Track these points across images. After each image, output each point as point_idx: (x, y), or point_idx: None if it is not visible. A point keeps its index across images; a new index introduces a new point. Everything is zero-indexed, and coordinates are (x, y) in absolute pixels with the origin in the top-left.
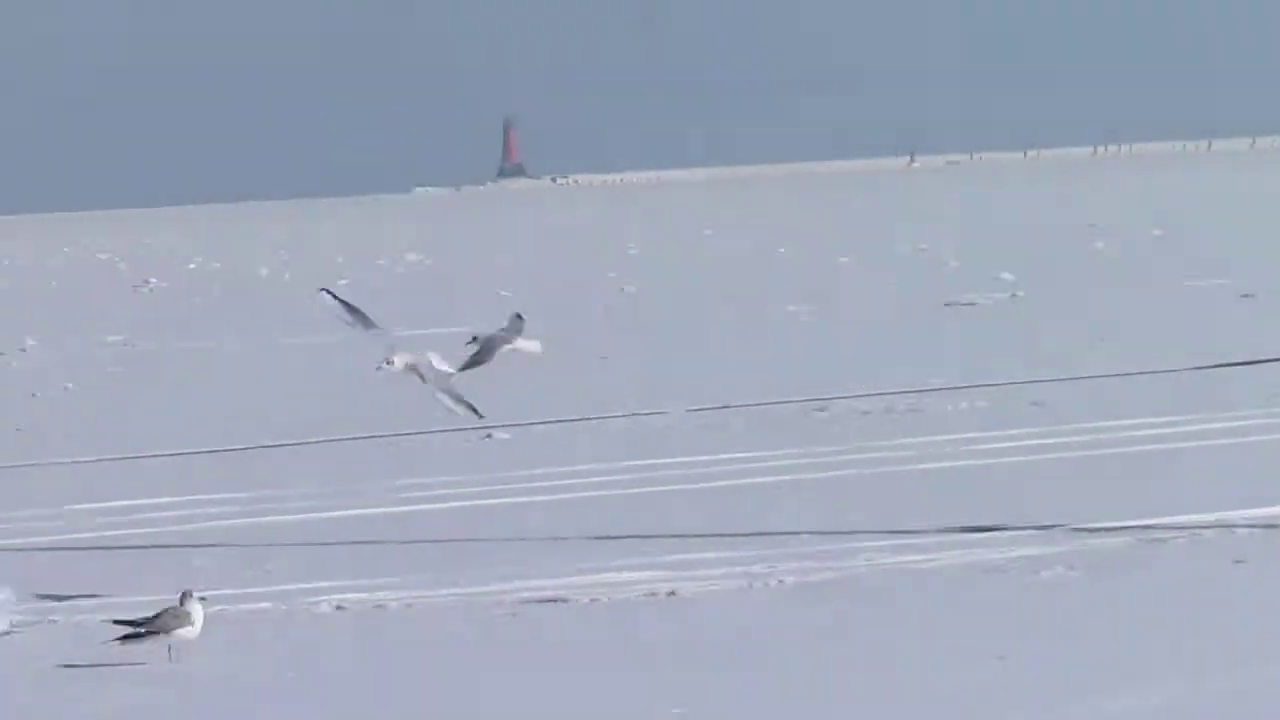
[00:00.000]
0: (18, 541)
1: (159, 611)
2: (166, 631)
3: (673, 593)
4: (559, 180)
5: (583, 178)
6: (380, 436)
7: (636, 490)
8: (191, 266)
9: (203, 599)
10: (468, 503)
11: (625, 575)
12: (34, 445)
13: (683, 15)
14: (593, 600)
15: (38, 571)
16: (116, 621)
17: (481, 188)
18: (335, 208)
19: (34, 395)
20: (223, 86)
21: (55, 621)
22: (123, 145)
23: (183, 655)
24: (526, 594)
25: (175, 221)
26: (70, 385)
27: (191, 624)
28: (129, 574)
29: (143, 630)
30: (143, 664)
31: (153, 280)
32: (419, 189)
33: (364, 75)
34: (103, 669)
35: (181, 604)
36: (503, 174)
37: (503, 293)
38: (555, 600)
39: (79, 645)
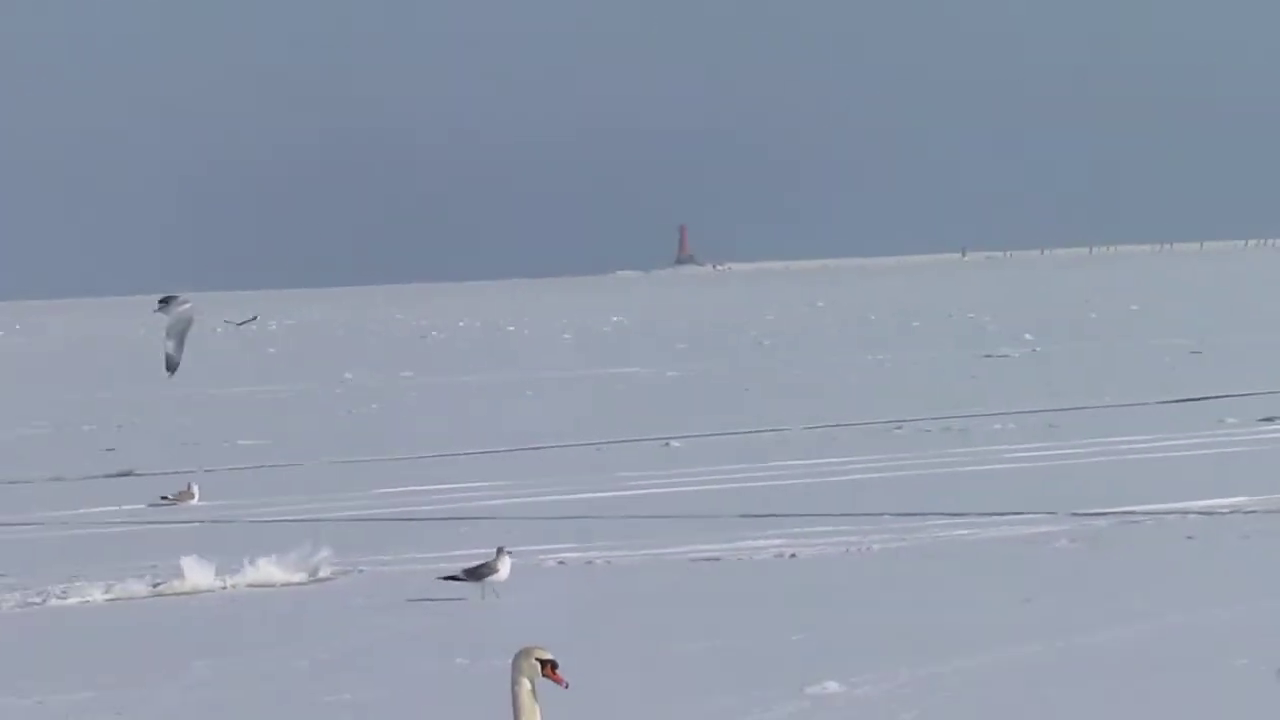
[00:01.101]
0: (338, 515)
1: (481, 563)
2: (482, 578)
3: (794, 555)
4: (717, 266)
5: (734, 265)
6: (592, 444)
7: (768, 483)
8: (460, 324)
9: (510, 553)
10: (653, 491)
11: (760, 542)
12: (350, 447)
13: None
14: (739, 559)
15: (349, 537)
16: (445, 578)
17: (663, 271)
18: (555, 284)
19: (349, 412)
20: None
21: (362, 572)
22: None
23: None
24: (694, 555)
25: (444, 293)
26: (375, 406)
27: (498, 571)
28: (414, 540)
29: (462, 575)
30: (423, 599)
31: (433, 333)
32: (619, 272)
33: (588, 179)
34: (403, 604)
35: (497, 557)
36: (678, 261)
37: (678, 345)
38: (713, 559)
39: (381, 589)
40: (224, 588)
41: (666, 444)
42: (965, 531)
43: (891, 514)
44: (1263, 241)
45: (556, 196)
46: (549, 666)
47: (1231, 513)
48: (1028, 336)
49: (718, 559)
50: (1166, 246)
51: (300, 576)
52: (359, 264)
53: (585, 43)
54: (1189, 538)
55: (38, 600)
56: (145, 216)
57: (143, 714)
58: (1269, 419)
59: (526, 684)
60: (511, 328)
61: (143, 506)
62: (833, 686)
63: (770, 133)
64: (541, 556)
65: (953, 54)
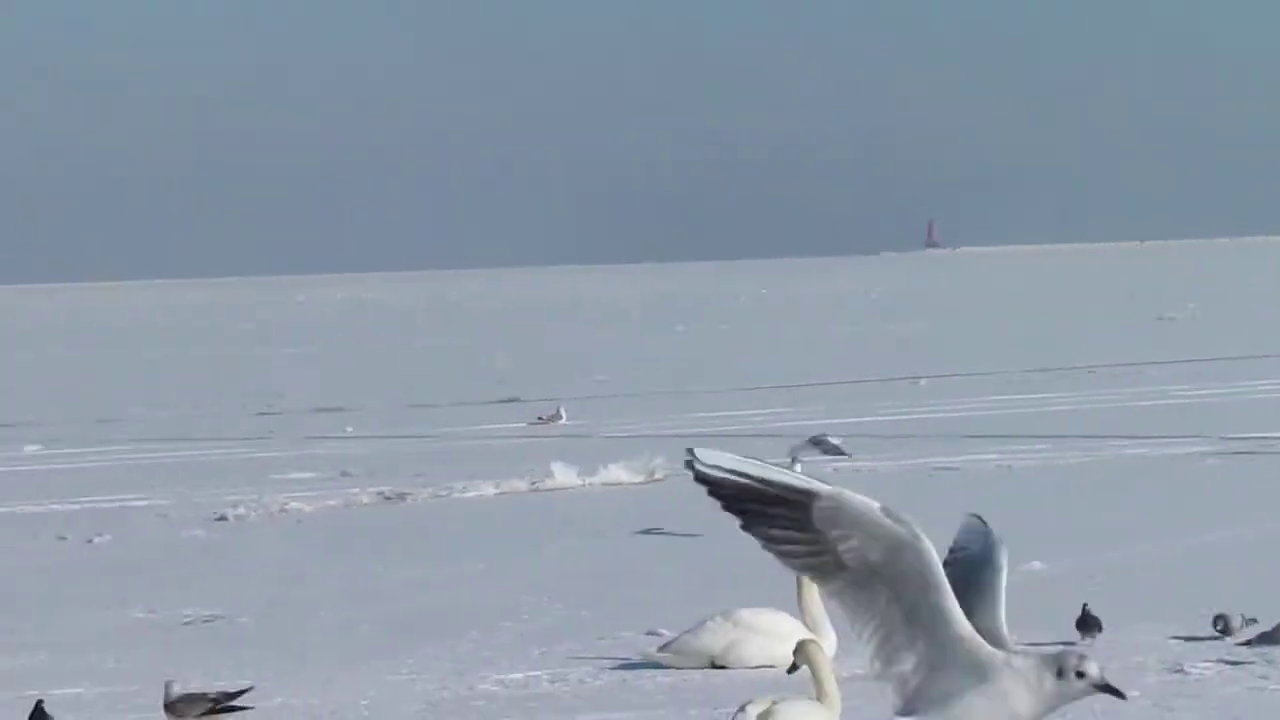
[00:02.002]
0: (669, 432)
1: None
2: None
3: (1010, 466)
4: (955, 250)
5: (968, 248)
6: (863, 380)
7: (990, 412)
8: (764, 291)
9: (800, 461)
10: (905, 417)
11: (984, 456)
12: (680, 381)
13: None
14: (968, 469)
15: (678, 448)
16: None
17: (916, 253)
18: (834, 261)
19: (679, 355)
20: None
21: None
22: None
23: None
24: (935, 465)
25: (750, 268)
26: (697, 350)
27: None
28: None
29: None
30: None
31: (741, 297)
32: (884, 252)
33: (857, 176)
34: None
35: (791, 465)
36: (927, 246)
37: (925, 308)
38: (950, 469)
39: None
40: (583, 485)
41: (916, 382)
42: (1137, 451)
43: (1082, 436)
44: None
45: (835, 189)
46: None
47: None
48: (1190, 305)
49: (955, 469)
50: None
51: (641, 477)
52: (697, 245)
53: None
54: None
55: (444, 493)
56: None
57: (524, 576)
58: None
59: None
60: (804, 292)
61: (523, 424)
62: (1037, 565)
63: (999, 140)
64: (827, 465)
65: (1158, 68)
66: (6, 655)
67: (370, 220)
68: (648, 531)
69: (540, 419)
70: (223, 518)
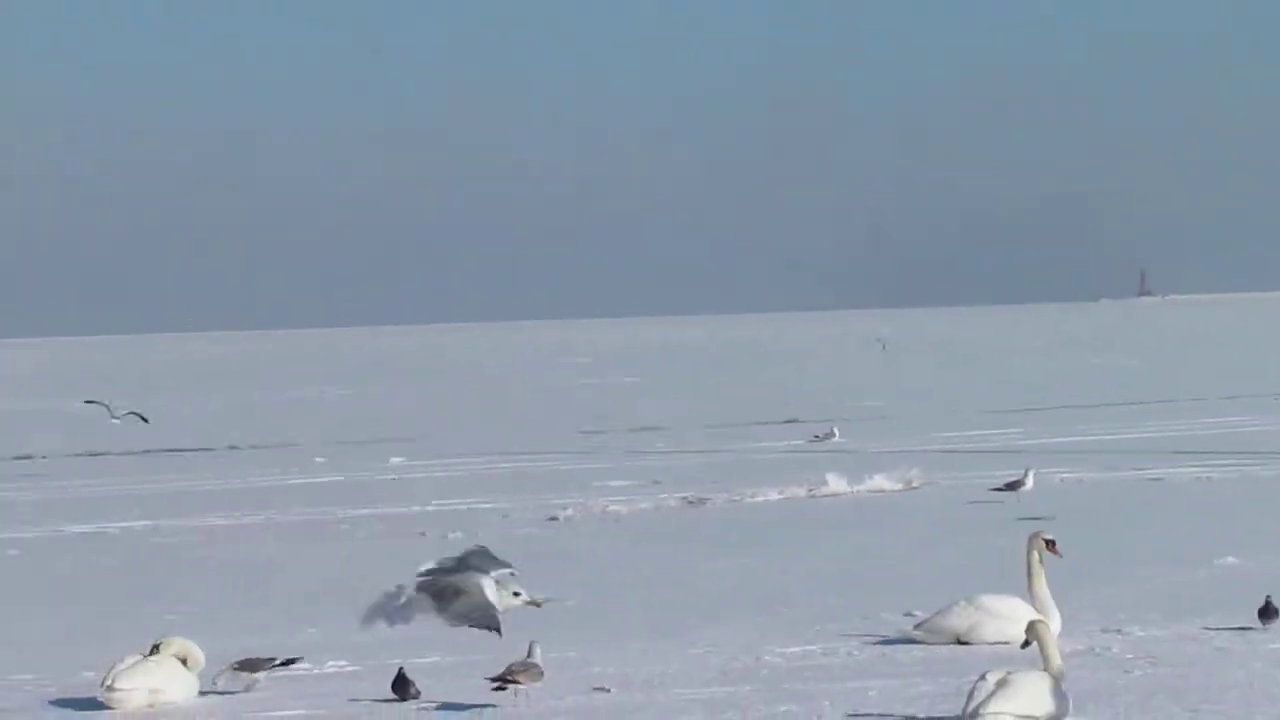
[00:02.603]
0: (925, 448)
1: (1015, 478)
2: (1015, 488)
3: (1209, 478)
4: (1165, 297)
5: (1178, 296)
6: (1078, 407)
7: (1190, 432)
8: (989, 331)
9: (1033, 471)
10: (1121, 436)
11: (1185, 470)
12: (941, 406)
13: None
14: (1171, 480)
15: (932, 460)
16: (992, 489)
17: (1131, 300)
18: (1058, 308)
19: (918, 386)
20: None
21: (939, 484)
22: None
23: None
24: (1146, 476)
25: (975, 314)
26: (924, 382)
27: (1025, 484)
28: (976, 464)
29: (1003, 486)
30: (975, 501)
31: (988, 334)
32: (1103, 299)
33: (1075, 228)
34: (962, 504)
35: (1025, 474)
36: (1139, 294)
37: (1141, 346)
38: (1156, 480)
39: (949, 494)
40: (852, 492)
41: (1127, 407)
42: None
43: (1272, 453)
44: None
45: (1057, 240)
46: (1050, 544)
47: None
48: None
49: (1161, 480)
50: None
51: (899, 486)
52: (932, 290)
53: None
54: None
55: (737, 499)
56: None
57: (801, 567)
58: None
59: (1035, 554)
60: (1031, 332)
61: (802, 442)
62: (1231, 560)
63: (1206, 195)
64: (1055, 475)
65: None
66: (377, 630)
67: (676, 269)
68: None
69: (816, 437)
70: (554, 518)
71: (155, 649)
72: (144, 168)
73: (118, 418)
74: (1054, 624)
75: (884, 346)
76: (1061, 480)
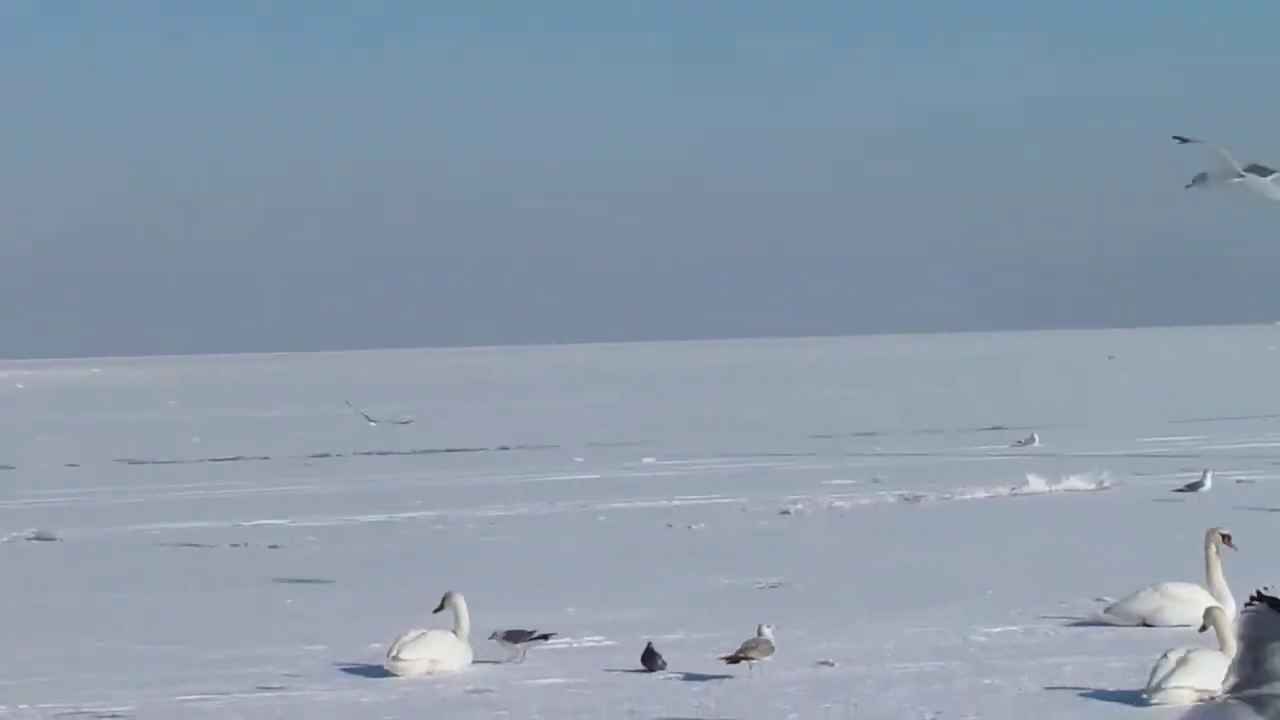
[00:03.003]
0: (1123, 453)
1: (1194, 480)
2: (1195, 489)
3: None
4: None
5: None
6: (1259, 416)
7: None
8: (1167, 349)
9: (1211, 473)
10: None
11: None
12: (1113, 417)
13: None
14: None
15: (1121, 464)
16: (1175, 490)
17: None
18: (1238, 329)
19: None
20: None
21: (1127, 484)
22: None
23: None
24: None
25: (1159, 333)
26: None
27: (1205, 485)
28: (1160, 466)
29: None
30: (1161, 500)
31: (1173, 352)
32: (1276, 321)
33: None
34: (1149, 502)
35: (1203, 475)
36: None
37: None
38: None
39: (1138, 493)
40: (1050, 491)
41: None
42: None
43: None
44: None
45: (1235, 262)
46: (1226, 538)
47: None
48: None
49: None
50: None
51: (1093, 486)
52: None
53: None
54: None
55: (948, 496)
56: None
57: (1004, 556)
58: None
59: (1213, 548)
60: (1213, 350)
61: (1006, 446)
62: None
63: None
64: (1231, 477)
65: None
66: (631, 609)
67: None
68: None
69: (1019, 442)
70: (785, 511)
71: (443, 603)
72: (420, 200)
73: (375, 421)
74: (1229, 610)
75: (1110, 358)
76: (1237, 482)
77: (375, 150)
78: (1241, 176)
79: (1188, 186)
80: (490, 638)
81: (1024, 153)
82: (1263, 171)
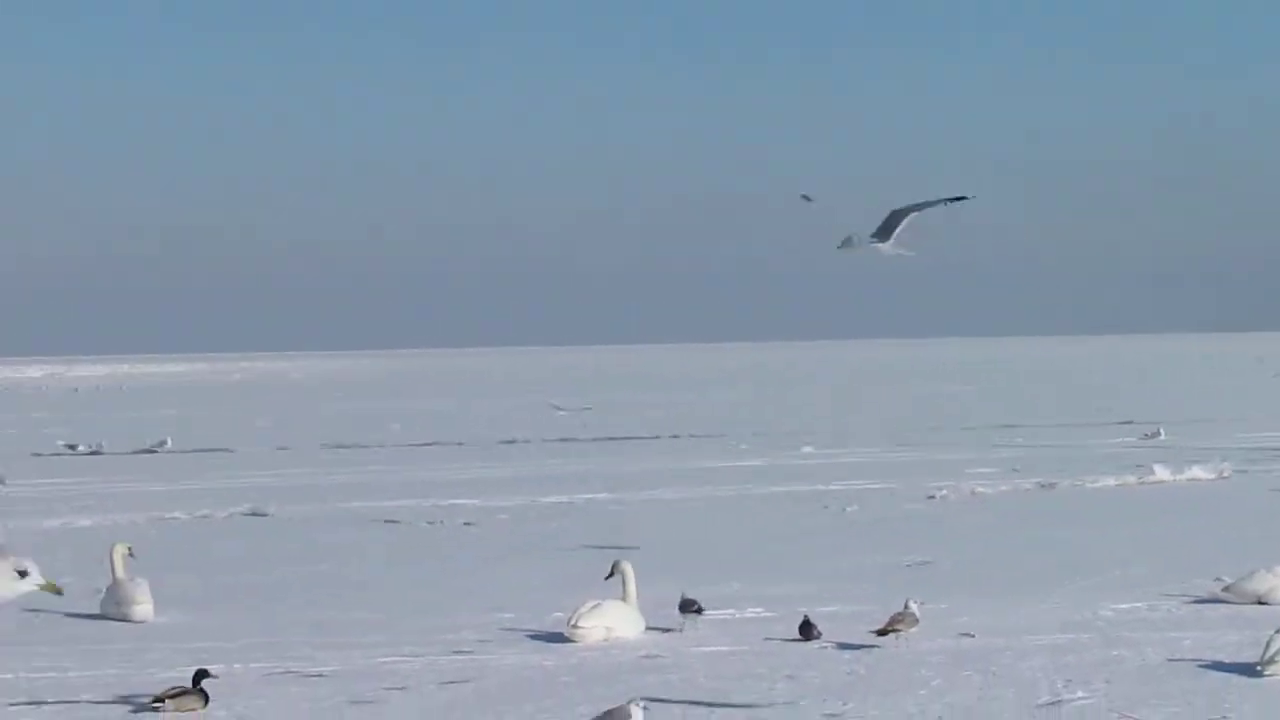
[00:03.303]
0: (1236, 445)
1: None
2: None
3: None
4: None
5: None
6: None
7: None
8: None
9: None
10: None
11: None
12: (1242, 412)
13: None
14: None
15: (1239, 455)
16: None
17: None
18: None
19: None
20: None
21: (1248, 474)
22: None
23: None
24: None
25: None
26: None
27: None
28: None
29: None
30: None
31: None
32: None
33: None
34: (1269, 491)
35: None
36: None
37: None
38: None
39: (1257, 482)
40: (1174, 480)
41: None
42: None
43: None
44: None
45: None
46: None
47: None
48: None
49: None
50: None
51: (1213, 475)
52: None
53: None
54: None
55: (1079, 484)
56: None
57: (1129, 538)
58: None
59: None
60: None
61: (1134, 439)
62: None
63: None
64: None
65: None
66: (790, 584)
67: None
68: None
69: (1146, 435)
70: (932, 496)
71: (613, 570)
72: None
73: (564, 410)
74: None
75: (1260, 360)
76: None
77: (529, 160)
78: (873, 240)
79: (838, 248)
80: (678, 607)
81: (1159, 155)
82: (881, 236)
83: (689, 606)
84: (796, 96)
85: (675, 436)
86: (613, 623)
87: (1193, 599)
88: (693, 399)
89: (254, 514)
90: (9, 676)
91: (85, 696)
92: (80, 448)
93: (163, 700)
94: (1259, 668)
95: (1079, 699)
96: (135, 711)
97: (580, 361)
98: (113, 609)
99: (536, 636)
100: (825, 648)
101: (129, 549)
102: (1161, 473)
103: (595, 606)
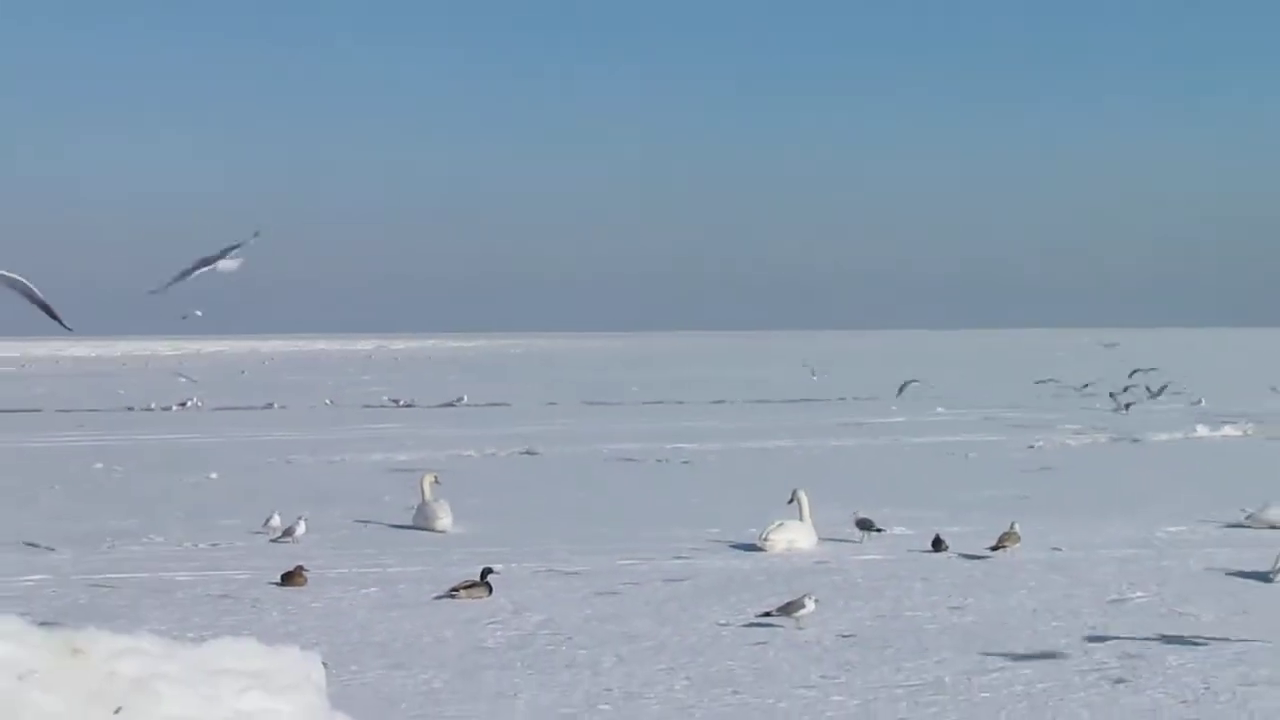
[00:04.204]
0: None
1: None
2: None
3: None
4: None
5: None
6: None
7: None
8: None
9: None
10: None
11: None
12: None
13: None
14: None
15: None
16: None
17: None
18: None
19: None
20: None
21: None
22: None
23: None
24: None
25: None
26: None
27: None
28: None
29: None
30: None
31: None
32: None
33: None
34: None
35: None
36: None
37: None
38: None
39: None
40: (1210, 436)
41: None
42: None
43: None
44: None
45: None
46: None
47: None
48: None
49: None
50: None
51: (1240, 433)
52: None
53: None
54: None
55: (1139, 439)
56: None
57: (1180, 479)
58: None
59: None
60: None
61: (1182, 407)
62: None
63: None
64: None
65: None
66: (926, 510)
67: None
68: None
69: (1191, 404)
70: (1031, 446)
71: (792, 496)
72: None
73: (816, 376)
74: None
75: None
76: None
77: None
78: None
79: (151, 292)
80: (857, 524)
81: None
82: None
83: (867, 525)
84: None
85: (841, 398)
86: (793, 537)
87: (1224, 524)
88: (845, 372)
89: (528, 453)
90: (345, 570)
91: (401, 586)
92: (400, 401)
93: (458, 590)
94: (1270, 575)
95: (1138, 597)
96: (437, 598)
97: (813, 345)
98: (422, 522)
99: (736, 546)
100: (951, 558)
101: (435, 477)
102: (1202, 430)
103: (780, 524)
